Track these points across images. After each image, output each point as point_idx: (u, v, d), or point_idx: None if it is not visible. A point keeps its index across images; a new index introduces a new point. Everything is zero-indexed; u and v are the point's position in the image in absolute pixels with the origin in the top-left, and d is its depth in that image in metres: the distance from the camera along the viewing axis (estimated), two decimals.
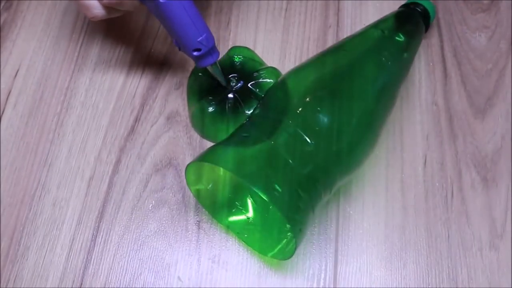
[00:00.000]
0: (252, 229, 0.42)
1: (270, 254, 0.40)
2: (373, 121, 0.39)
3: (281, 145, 0.35)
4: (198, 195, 0.42)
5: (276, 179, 0.34)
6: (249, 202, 0.41)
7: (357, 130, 0.38)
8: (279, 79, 0.41)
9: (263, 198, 0.33)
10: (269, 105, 0.39)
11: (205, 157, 0.36)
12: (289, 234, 0.38)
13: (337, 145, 0.36)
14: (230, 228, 0.42)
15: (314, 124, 0.36)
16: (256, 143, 0.36)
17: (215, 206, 0.42)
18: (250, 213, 0.41)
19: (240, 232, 0.41)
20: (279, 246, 0.40)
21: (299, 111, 0.37)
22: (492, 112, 0.46)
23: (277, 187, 0.34)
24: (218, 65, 0.42)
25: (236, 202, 0.42)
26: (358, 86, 0.39)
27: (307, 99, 0.38)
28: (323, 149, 0.36)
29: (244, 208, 0.42)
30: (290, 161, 0.35)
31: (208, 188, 0.42)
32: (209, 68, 0.42)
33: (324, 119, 0.37)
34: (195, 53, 0.40)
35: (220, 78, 0.43)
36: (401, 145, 0.45)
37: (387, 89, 0.40)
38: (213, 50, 0.41)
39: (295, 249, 0.35)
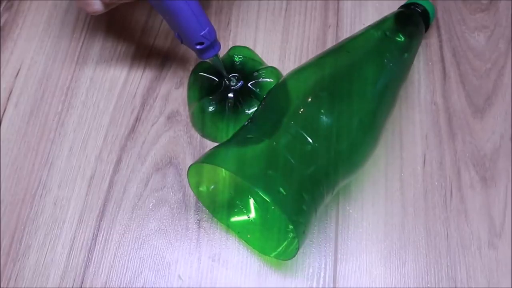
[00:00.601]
0: (253, 229, 0.41)
1: (272, 255, 0.40)
2: (374, 121, 0.38)
3: (283, 145, 0.35)
4: (200, 196, 0.42)
5: (279, 180, 0.34)
6: (251, 202, 0.41)
7: (358, 131, 0.37)
8: (280, 80, 0.41)
9: (264, 199, 0.33)
10: (271, 106, 0.39)
11: (207, 159, 0.36)
12: (291, 234, 0.38)
13: (339, 146, 0.36)
14: (232, 228, 0.41)
15: (315, 125, 0.36)
16: (258, 144, 0.36)
17: (217, 207, 0.42)
18: (252, 214, 0.41)
19: (242, 232, 0.41)
20: (281, 247, 0.39)
21: (301, 111, 0.37)
22: (491, 111, 0.46)
23: (280, 188, 0.33)
24: (219, 57, 0.42)
25: (238, 202, 0.42)
26: (359, 86, 0.39)
27: (309, 99, 0.37)
28: (325, 150, 0.36)
29: (245, 209, 0.41)
30: (293, 161, 0.34)
31: (210, 189, 0.41)
32: (210, 60, 0.42)
33: (325, 119, 0.36)
34: (198, 47, 0.40)
35: (221, 69, 0.43)
36: (400, 144, 0.45)
37: (388, 89, 0.40)
38: (215, 42, 0.41)
39: (298, 250, 0.35)
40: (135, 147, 0.45)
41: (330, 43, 0.49)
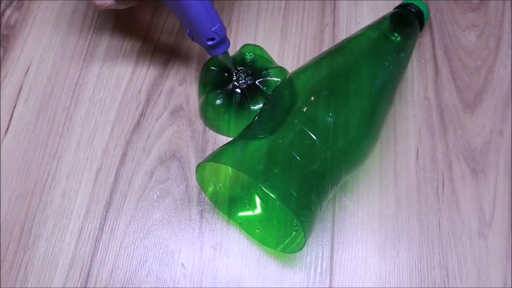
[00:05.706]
0: (261, 225, 0.40)
1: (279, 248, 0.39)
2: (374, 118, 0.37)
3: (288, 143, 0.34)
4: (209, 193, 0.40)
5: (285, 177, 0.33)
6: (257, 198, 0.40)
7: (360, 127, 0.36)
8: (285, 78, 0.40)
9: (269, 194, 0.31)
10: (276, 104, 0.38)
11: (214, 157, 0.35)
12: (297, 228, 0.37)
13: (342, 142, 0.35)
14: (241, 224, 0.40)
15: (319, 122, 0.35)
16: (263, 141, 0.35)
17: (225, 203, 0.41)
18: (258, 210, 0.40)
19: (250, 227, 0.40)
20: (287, 240, 0.38)
21: (305, 110, 0.35)
22: (481, 106, 0.45)
23: (286, 185, 0.32)
24: (228, 53, 0.41)
25: (245, 199, 0.40)
26: (359, 85, 0.38)
27: (311, 98, 0.36)
28: (328, 146, 0.34)
29: (250, 205, 0.40)
30: (298, 158, 0.33)
31: (218, 187, 0.40)
32: (220, 56, 0.40)
33: (328, 117, 0.35)
34: (209, 42, 0.39)
35: (230, 65, 0.42)
36: (394, 138, 0.44)
37: (387, 86, 0.39)
38: (225, 39, 0.39)
39: (304, 244, 0.34)
40: (140, 141, 0.44)
41: (327, 42, 0.48)
